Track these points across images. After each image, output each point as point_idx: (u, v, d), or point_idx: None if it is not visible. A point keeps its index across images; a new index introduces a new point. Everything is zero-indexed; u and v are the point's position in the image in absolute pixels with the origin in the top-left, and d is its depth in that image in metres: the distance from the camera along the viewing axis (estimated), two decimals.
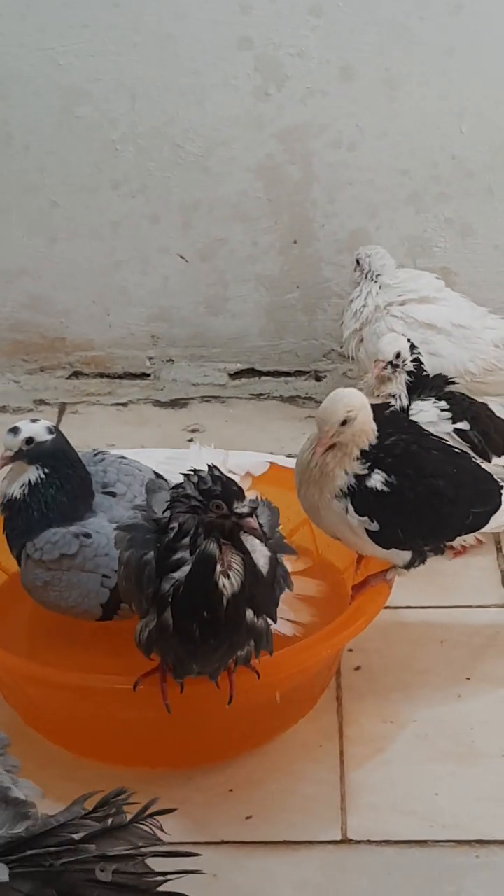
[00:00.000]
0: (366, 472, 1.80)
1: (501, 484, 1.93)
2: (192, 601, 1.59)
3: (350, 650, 1.96)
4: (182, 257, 2.66)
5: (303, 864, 1.67)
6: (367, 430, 1.79)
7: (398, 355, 2.13)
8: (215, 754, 1.79)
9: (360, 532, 1.82)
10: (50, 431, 1.83)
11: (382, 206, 2.60)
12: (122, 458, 1.94)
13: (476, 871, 1.64)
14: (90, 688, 1.72)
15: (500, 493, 1.92)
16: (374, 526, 1.81)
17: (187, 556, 1.58)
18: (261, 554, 1.63)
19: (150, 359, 2.73)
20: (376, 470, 1.80)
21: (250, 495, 1.66)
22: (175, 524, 1.60)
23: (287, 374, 2.74)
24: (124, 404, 2.69)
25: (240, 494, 1.57)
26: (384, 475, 1.80)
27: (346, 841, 1.69)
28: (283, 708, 1.81)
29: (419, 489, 1.82)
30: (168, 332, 2.72)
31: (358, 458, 1.79)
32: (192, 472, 1.61)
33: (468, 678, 1.94)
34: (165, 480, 1.77)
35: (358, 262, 2.45)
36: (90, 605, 1.82)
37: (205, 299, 2.69)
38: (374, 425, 1.80)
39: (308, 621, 1.89)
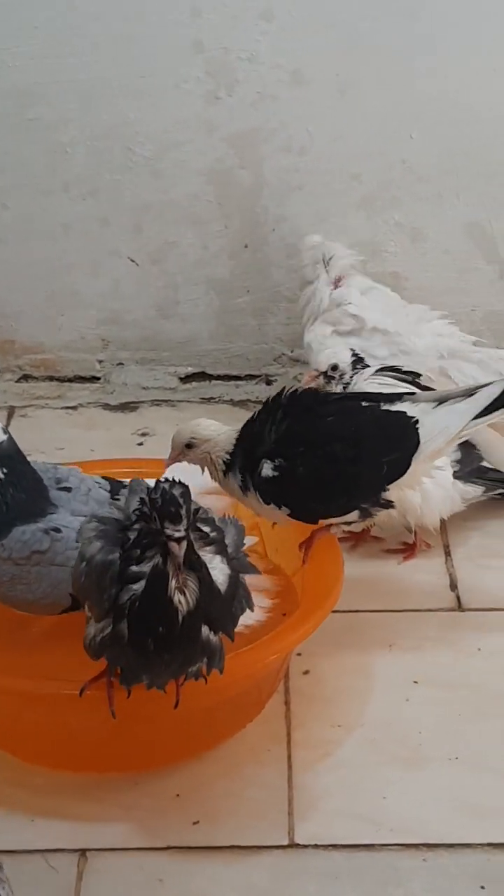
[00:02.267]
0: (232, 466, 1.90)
1: (414, 417, 1.91)
2: (148, 615, 1.58)
3: (299, 654, 1.96)
4: (133, 260, 2.66)
5: (250, 869, 1.66)
6: (213, 453, 1.90)
7: (334, 367, 2.13)
8: (163, 759, 1.78)
9: (283, 516, 1.88)
10: (4, 431, 1.84)
11: (333, 210, 2.60)
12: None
13: (423, 874, 1.65)
14: (36, 693, 1.71)
15: (416, 430, 1.91)
16: (286, 510, 1.88)
17: (144, 569, 1.57)
18: (220, 571, 1.62)
19: (101, 362, 2.72)
20: (264, 460, 1.86)
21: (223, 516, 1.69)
22: (136, 531, 1.59)
23: (237, 377, 2.74)
24: (74, 408, 2.68)
25: (175, 516, 1.53)
26: (271, 462, 1.87)
27: (293, 845, 1.69)
28: (231, 712, 1.81)
29: (312, 461, 1.87)
30: (118, 335, 2.71)
31: (224, 472, 1.90)
32: (161, 482, 1.59)
33: (416, 682, 1.95)
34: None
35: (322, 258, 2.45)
36: (58, 596, 1.81)
37: (155, 303, 2.69)
38: (221, 447, 1.90)
39: (257, 622, 1.89)
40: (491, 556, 2.23)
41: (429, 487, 2.16)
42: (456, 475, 2.22)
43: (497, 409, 1.93)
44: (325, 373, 2.14)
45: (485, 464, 2.28)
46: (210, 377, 2.74)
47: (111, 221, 2.62)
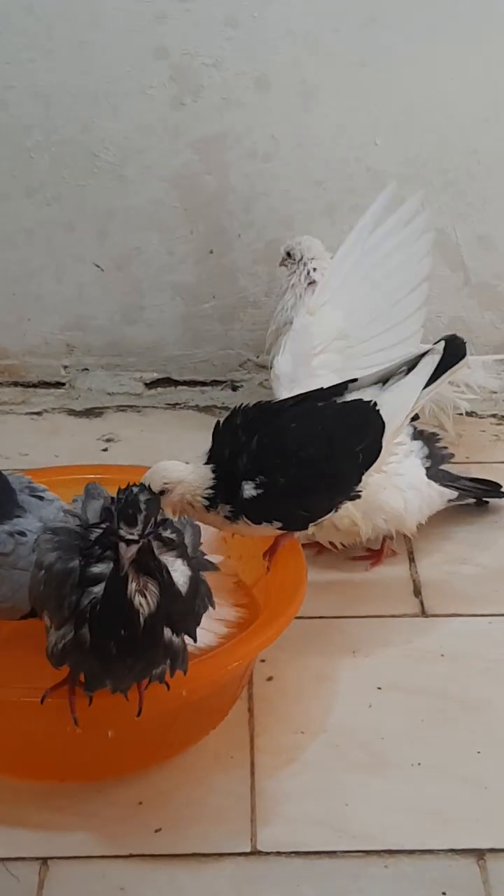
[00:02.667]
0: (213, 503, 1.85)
1: (372, 401, 1.92)
2: (110, 618, 1.57)
3: (262, 661, 1.96)
4: (98, 266, 2.65)
5: (212, 876, 1.66)
6: (191, 493, 1.85)
7: None
8: (125, 767, 1.78)
9: (274, 531, 1.88)
10: None
11: (298, 216, 2.61)
12: None
13: (385, 880, 1.65)
14: None
15: (378, 413, 1.91)
16: (278, 524, 1.87)
17: (105, 570, 1.57)
18: (181, 573, 1.62)
19: (66, 367, 2.71)
20: (244, 482, 1.84)
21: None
22: (100, 530, 1.60)
23: (203, 383, 2.74)
24: (38, 413, 2.67)
25: (131, 519, 1.53)
26: (252, 482, 1.85)
27: (255, 852, 1.68)
28: (194, 719, 1.80)
29: (291, 471, 1.86)
30: (83, 340, 2.70)
31: (208, 507, 1.85)
32: (132, 486, 1.59)
33: (379, 688, 1.95)
34: None
35: (289, 254, 2.44)
36: (19, 600, 1.80)
37: (120, 308, 2.68)
38: (199, 485, 1.84)
39: (223, 632, 1.88)
40: (455, 562, 2.23)
41: (408, 494, 2.18)
42: (429, 474, 2.23)
43: (441, 373, 1.94)
44: None
45: (453, 470, 2.29)
46: (176, 383, 2.74)
47: (76, 227, 2.62)
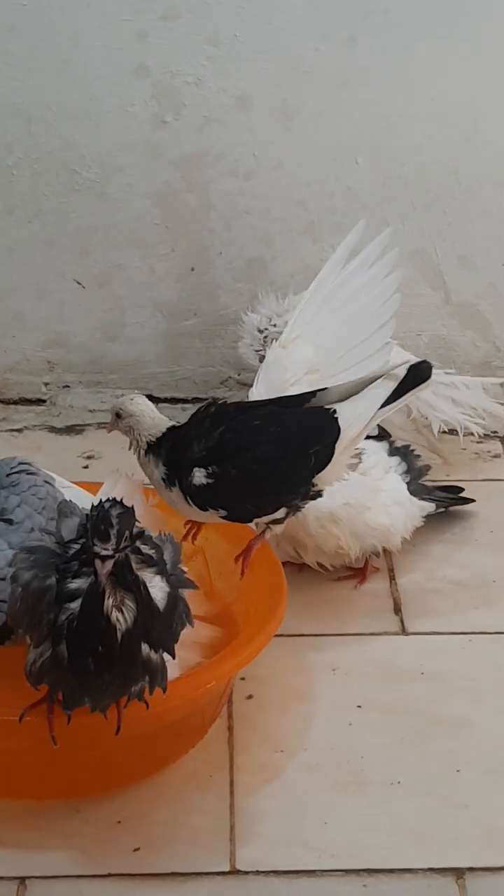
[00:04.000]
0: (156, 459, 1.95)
1: (331, 408, 1.96)
2: (87, 634, 1.57)
3: (242, 679, 1.96)
4: (79, 283, 2.65)
5: (190, 895, 1.65)
6: (137, 429, 1.97)
7: None
8: (104, 785, 1.77)
9: (218, 518, 1.94)
10: None
11: (279, 235, 2.61)
12: (46, 482, 1.94)
13: None
14: None
15: (335, 419, 1.95)
16: (223, 513, 1.92)
17: (81, 585, 1.57)
18: (159, 589, 1.62)
19: (46, 384, 2.71)
20: (196, 468, 1.90)
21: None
22: (77, 545, 1.59)
23: (184, 400, 2.74)
24: (19, 430, 2.66)
25: (104, 535, 1.53)
26: (203, 470, 1.90)
27: (234, 872, 1.68)
28: (173, 738, 1.80)
29: (242, 464, 1.91)
30: (64, 357, 2.70)
31: (146, 451, 1.96)
32: (103, 501, 1.59)
33: (359, 706, 1.95)
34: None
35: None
36: None
37: (102, 325, 2.68)
38: (148, 428, 1.97)
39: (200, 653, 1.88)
40: (435, 580, 2.24)
41: (393, 510, 2.19)
42: (410, 489, 2.24)
43: (404, 393, 1.99)
44: None
45: (427, 483, 2.30)
46: (157, 400, 2.72)
47: (56, 244, 2.62)
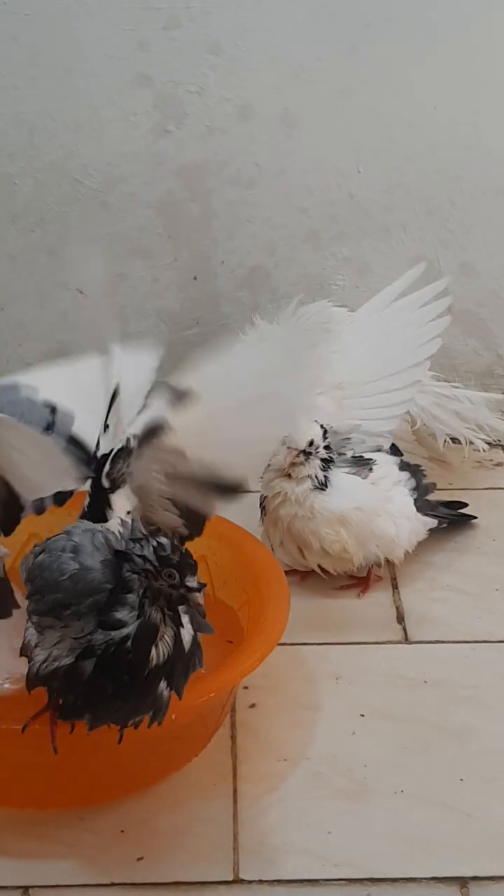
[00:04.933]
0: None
1: None
2: (120, 663, 1.56)
3: (245, 687, 1.96)
4: (81, 292, 2.65)
5: None
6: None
7: (311, 443, 2.14)
8: (107, 795, 1.77)
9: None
10: None
11: (281, 243, 2.61)
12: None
13: None
14: None
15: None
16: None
17: (128, 618, 1.56)
18: (186, 630, 1.62)
19: None
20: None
21: None
22: (127, 577, 1.58)
23: None
24: None
25: (194, 568, 1.57)
26: None
27: (237, 881, 1.67)
28: (176, 747, 1.79)
29: None
30: None
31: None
32: (148, 536, 1.59)
33: (362, 715, 1.94)
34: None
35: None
36: None
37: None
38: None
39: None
40: (438, 589, 2.23)
41: (399, 521, 2.21)
42: (416, 505, 2.25)
43: None
44: (303, 450, 2.15)
45: (431, 499, 2.30)
46: None
47: (59, 253, 2.62)
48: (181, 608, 1.60)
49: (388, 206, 2.59)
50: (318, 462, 2.15)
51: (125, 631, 1.56)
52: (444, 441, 2.47)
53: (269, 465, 2.19)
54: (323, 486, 2.16)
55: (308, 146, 2.55)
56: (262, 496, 2.21)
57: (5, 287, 2.63)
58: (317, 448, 2.15)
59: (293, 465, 2.14)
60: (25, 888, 1.66)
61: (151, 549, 1.58)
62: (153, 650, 1.56)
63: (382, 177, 2.57)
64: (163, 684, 1.59)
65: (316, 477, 2.15)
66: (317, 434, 2.16)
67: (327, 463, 2.16)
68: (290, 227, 2.60)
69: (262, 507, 2.21)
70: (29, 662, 1.63)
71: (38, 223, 2.60)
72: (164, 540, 1.59)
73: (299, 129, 2.54)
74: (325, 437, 2.17)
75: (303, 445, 2.14)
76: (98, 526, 1.66)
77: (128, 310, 2.66)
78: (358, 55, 2.50)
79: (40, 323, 2.66)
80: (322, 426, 2.17)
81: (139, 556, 1.57)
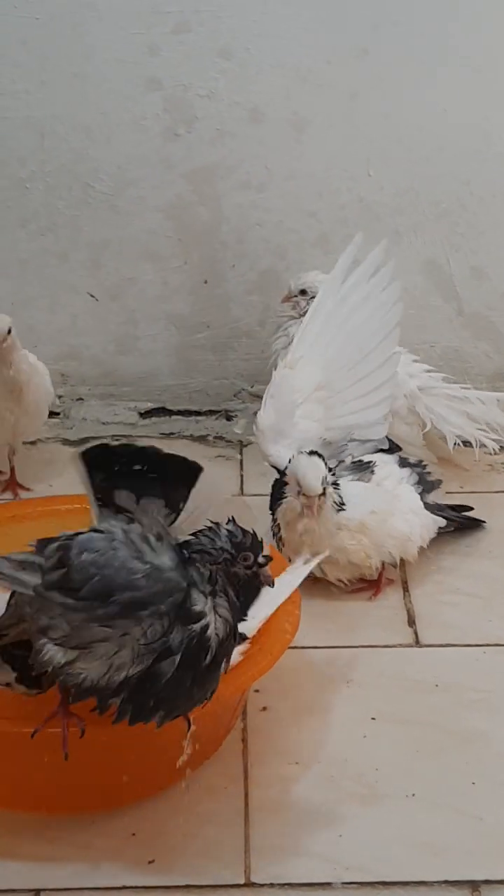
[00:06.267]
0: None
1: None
2: (203, 653, 1.57)
3: (256, 691, 1.96)
4: (92, 296, 2.66)
5: None
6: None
7: (322, 480, 2.12)
8: (119, 798, 1.77)
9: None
10: None
11: (291, 247, 2.62)
12: None
13: None
14: None
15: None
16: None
17: (206, 608, 1.57)
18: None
19: (60, 397, 2.72)
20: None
21: None
22: (201, 572, 1.58)
23: (197, 413, 2.74)
24: (33, 443, 2.67)
25: (261, 545, 1.60)
26: None
27: (249, 884, 1.67)
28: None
29: None
30: (77, 370, 2.71)
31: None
32: (218, 525, 1.60)
33: (373, 718, 1.94)
34: None
35: (304, 291, 2.44)
36: None
37: (115, 338, 2.69)
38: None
39: None
40: (449, 592, 2.23)
41: (410, 517, 2.21)
42: (422, 500, 2.26)
43: None
44: (320, 494, 2.13)
45: (438, 500, 2.31)
46: (170, 412, 2.74)
47: (69, 257, 2.63)
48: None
49: (398, 210, 2.60)
50: (332, 490, 2.14)
51: (205, 621, 1.56)
52: (455, 443, 2.46)
53: (282, 502, 2.15)
54: (343, 505, 2.15)
55: (318, 150, 2.55)
56: (275, 526, 2.18)
57: (17, 291, 2.64)
58: (325, 480, 2.13)
59: (320, 507, 2.12)
60: (37, 891, 1.66)
61: (226, 538, 1.59)
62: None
63: (392, 180, 2.58)
64: (224, 663, 1.61)
65: (335, 502, 2.15)
66: (323, 470, 2.13)
67: (336, 484, 2.16)
68: (300, 231, 2.61)
69: (277, 537, 2.18)
70: (58, 680, 1.61)
71: (49, 227, 2.60)
72: (230, 526, 1.60)
73: (309, 133, 2.54)
74: (326, 466, 2.14)
75: (319, 490, 2.12)
76: (124, 522, 1.63)
77: (137, 314, 2.67)
78: (367, 59, 2.50)
79: (51, 327, 2.67)
80: (319, 455, 2.15)
81: (216, 548, 1.58)
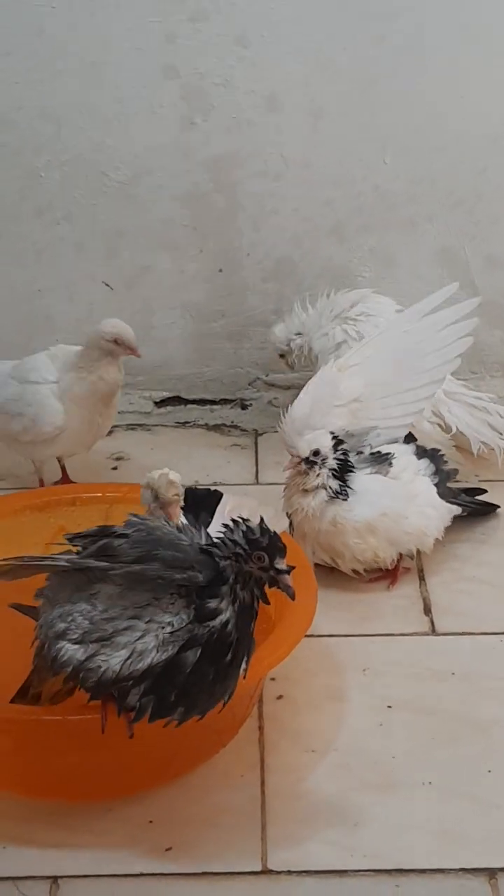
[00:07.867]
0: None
1: None
2: (224, 647, 1.58)
3: (272, 679, 1.96)
4: (107, 285, 2.66)
5: (223, 895, 1.65)
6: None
7: (316, 452, 2.14)
8: (135, 785, 1.78)
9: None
10: None
11: (306, 235, 2.61)
12: None
13: None
14: (11, 720, 1.70)
15: None
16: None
17: (222, 605, 1.58)
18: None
19: None
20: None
21: None
22: (220, 565, 1.59)
23: (212, 402, 2.74)
24: None
25: (283, 551, 1.59)
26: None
27: (266, 872, 1.68)
28: (204, 738, 1.80)
29: None
30: None
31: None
32: (239, 520, 1.61)
33: (390, 706, 1.95)
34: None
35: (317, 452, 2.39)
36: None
37: (130, 326, 2.68)
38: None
39: None
40: (464, 581, 2.23)
41: (427, 511, 2.21)
42: (439, 492, 2.25)
43: None
44: (306, 458, 2.15)
45: (452, 486, 2.31)
46: (185, 401, 2.75)
47: (86, 246, 2.63)
48: None
49: (413, 198, 2.59)
50: (327, 472, 2.14)
51: (223, 617, 1.57)
52: (479, 448, 2.47)
53: (287, 483, 2.18)
54: (340, 494, 2.15)
55: (334, 138, 2.55)
56: (286, 511, 2.20)
57: (33, 280, 2.64)
58: (323, 458, 2.14)
59: (299, 474, 2.14)
60: (55, 878, 1.67)
61: (241, 533, 1.59)
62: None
63: (408, 168, 2.57)
64: (244, 662, 1.61)
65: (330, 487, 2.15)
66: (323, 444, 2.14)
67: (342, 471, 2.16)
68: (316, 219, 2.60)
69: (290, 521, 2.20)
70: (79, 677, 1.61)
71: (66, 216, 2.60)
72: (252, 524, 1.60)
73: (325, 121, 2.54)
74: (336, 448, 2.15)
75: (305, 454, 2.13)
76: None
77: (153, 302, 2.67)
78: (384, 46, 2.49)
79: (67, 316, 2.66)
80: (334, 436, 2.16)
81: (230, 540, 1.59)
